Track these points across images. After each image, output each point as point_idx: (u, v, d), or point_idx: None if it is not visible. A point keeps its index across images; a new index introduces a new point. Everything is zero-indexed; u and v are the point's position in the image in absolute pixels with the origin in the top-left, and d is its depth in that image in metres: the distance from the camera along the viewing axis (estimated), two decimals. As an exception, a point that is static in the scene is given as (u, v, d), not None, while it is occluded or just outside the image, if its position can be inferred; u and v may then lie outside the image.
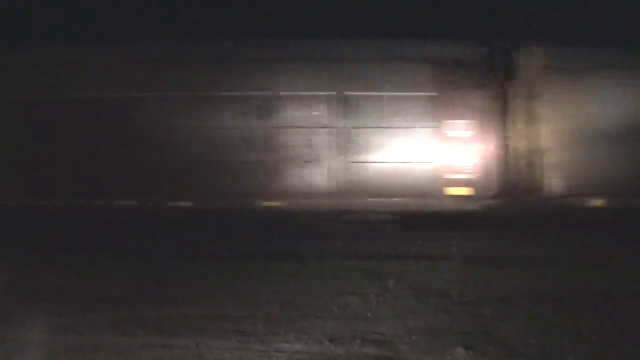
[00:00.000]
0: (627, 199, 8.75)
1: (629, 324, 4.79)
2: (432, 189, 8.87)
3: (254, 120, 9.02)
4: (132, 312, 5.16)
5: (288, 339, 4.53)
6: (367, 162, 8.97)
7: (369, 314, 5.14)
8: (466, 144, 8.88)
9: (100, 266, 6.97)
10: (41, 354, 4.28)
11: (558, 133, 8.91)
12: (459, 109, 8.87)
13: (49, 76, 9.10)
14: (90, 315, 5.09)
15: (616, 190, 8.78)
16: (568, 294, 5.61)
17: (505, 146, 8.91)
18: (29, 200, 8.95)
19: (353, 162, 8.97)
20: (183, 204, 9.05)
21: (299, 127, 9.00)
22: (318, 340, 4.52)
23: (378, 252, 7.66)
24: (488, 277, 6.27)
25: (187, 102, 9.08)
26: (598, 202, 8.88)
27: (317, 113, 8.99)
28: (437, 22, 9.77)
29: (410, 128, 8.92)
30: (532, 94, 8.94)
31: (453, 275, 6.46)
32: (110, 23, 10.20)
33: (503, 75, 8.96)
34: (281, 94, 9.00)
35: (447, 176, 8.89)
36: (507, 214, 8.82)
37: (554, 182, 8.93)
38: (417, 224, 8.89)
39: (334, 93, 8.97)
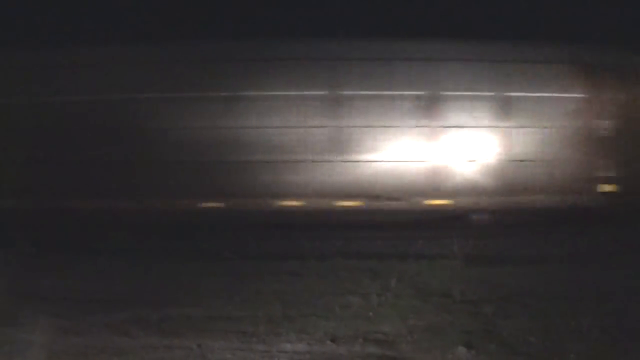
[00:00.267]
0: None
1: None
2: (581, 186, 9.19)
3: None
4: (133, 313, 5.15)
5: (290, 339, 4.53)
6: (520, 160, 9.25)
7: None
8: (611, 143, 9.29)
9: (101, 267, 6.95)
10: (42, 355, 4.27)
11: None
12: (606, 110, 9.24)
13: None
14: (91, 316, 5.09)
15: None
16: None
17: None
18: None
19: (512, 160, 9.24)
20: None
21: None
22: (320, 339, 4.52)
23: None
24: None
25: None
26: None
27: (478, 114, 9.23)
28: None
29: (561, 127, 9.20)
30: None
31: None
32: (115, 24, 10.23)
33: None
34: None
35: (597, 174, 9.24)
36: None
37: None
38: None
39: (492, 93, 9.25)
